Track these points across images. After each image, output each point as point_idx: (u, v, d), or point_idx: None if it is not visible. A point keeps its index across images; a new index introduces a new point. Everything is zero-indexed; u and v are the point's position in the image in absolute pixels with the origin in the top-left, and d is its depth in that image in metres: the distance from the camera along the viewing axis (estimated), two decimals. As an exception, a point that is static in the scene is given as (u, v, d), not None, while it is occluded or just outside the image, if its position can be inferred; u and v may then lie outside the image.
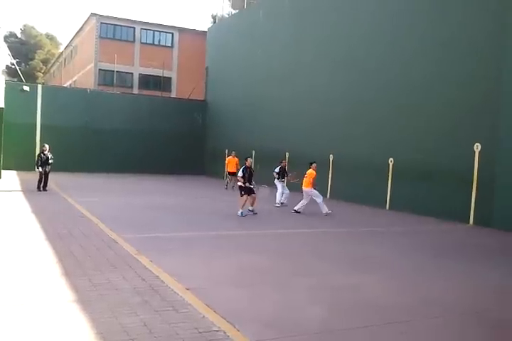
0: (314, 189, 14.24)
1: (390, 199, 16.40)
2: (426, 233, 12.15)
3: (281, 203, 15.93)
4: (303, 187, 14.30)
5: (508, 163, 12.61)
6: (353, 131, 18.34)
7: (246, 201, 13.43)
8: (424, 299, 6.21)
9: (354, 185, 17.86)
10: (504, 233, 12.14)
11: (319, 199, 14.16)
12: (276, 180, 16.38)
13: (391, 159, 16.37)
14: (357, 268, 7.77)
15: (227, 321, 4.99)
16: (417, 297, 6.30)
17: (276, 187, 16.33)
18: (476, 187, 13.44)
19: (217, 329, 4.77)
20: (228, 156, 22.63)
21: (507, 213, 12.53)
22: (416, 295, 6.41)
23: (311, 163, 14.60)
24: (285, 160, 17.64)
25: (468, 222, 13.53)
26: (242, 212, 13.16)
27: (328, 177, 19.47)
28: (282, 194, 16.10)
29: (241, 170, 13.89)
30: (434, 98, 14.96)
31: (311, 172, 14.32)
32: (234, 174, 20.03)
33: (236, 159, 21.42)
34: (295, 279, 6.92)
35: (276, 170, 16.38)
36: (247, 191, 13.48)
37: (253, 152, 24.93)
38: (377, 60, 17.30)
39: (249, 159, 14.23)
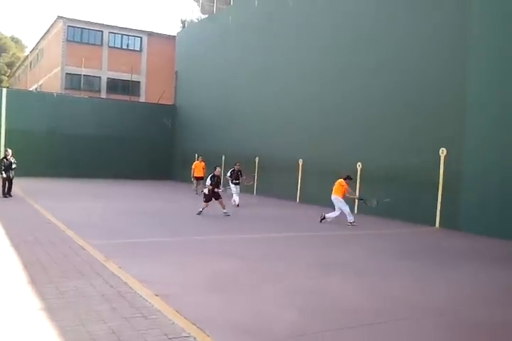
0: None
1: (357, 202, 16.57)
2: (393, 236, 12.33)
3: (237, 205, 16.65)
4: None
5: (473, 167, 12.94)
6: (322, 135, 18.53)
7: (207, 206, 14.11)
8: (391, 300, 6.30)
9: (322, 189, 17.95)
10: (469, 235, 12.42)
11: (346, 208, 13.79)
12: (230, 182, 17.15)
13: (359, 163, 16.59)
14: (325, 272, 7.83)
15: (197, 327, 4.96)
16: (383, 298, 6.39)
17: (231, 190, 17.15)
18: (442, 190, 13.74)
19: (187, 335, 4.74)
20: (195, 161, 22.57)
21: (472, 216, 12.85)
22: (383, 296, 6.50)
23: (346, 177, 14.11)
24: (239, 163, 17.99)
25: (435, 225, 13.80)
26: (200, 211, 14.06)
27: (298, 182, 19.60)
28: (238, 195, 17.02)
29: (209, 177, 14.30)
30: (399, 103, 15.25)
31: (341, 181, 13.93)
32: (201, 179, 20.54)
33: (202, 164, 21.72)
34: (265, 284, 6.93)
35: (228, 173, 17.29)
36: (210, 198, 14.07)
37: (223, 157, 24.94)
38: (343, 66, 17.54)
39: (217, 168, 14.62)
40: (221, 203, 14.23)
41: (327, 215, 13.75)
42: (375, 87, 16.16)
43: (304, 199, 19.16)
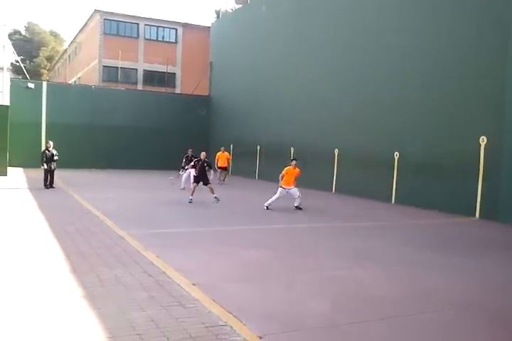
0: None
1: (395, 193, 16.39)
2: (429, 226, 12.16)
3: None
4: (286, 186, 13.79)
5: (514, 156, 12.59)
6: (357, 125, 18.32)
7: (195, 188, 14.66)
8: (421, 292, 6.24)
9: (359, 180, 17.87)
10: (509, 226, 12.13)
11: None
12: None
13: (396, 153, 16.36)
14: (357, 262, 7.80)
15: (234, 316, 5.04)
16: (414, 290, 6.33)
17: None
18: (482, 180, 13.42)
19: (223, 324, 4.81)
20: (219, 152, 22.90)
21: (513, 206, 12.53)
22: (413, 288, 6.44)
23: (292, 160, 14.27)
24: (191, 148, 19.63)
25: (474, 215, 13.52)
26: (190, 199, 14.44)
27: (334, 172, 19.48)
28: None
29: (194, 160, 15.40)
30: (439, 91, 14.92)
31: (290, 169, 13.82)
32: (224, 168, 22.20)
33: (226, 154, 22.66)
34: (297, 274, 6.96)
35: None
36: (197, 180, 14.79)
37: (258, 147, 24.97)
38: (382, 53, 17.24)
39: (203, 152, 15.39)
40: (210, 189, 14.72)
41: (268, 202, 13.71)
42: (413, 74, 15.83)
43: (339, 190, 19.04)
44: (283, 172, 13.77)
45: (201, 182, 14.78)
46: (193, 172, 15.45)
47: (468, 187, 13.73)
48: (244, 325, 4.82)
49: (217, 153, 22.84)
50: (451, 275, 7.22)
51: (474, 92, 13.76)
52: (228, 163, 22.82)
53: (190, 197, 14.47)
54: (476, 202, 13.54)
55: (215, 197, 14.66)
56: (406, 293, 6.18)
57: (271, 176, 23.20)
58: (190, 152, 19.32)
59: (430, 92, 15.18)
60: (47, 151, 17.23)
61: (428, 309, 5.61)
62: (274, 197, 13.71)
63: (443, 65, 14.79)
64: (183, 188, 17.88)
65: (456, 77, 14.36)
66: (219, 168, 22.14)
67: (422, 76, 15.49)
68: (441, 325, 5.13)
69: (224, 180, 22.05)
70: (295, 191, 13.75)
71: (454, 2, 14.55)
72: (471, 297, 6.17)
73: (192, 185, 14.93)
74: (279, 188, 13.76)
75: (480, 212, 13.45)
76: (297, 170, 13.84)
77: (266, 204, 13.68)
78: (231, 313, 5.10)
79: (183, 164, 18.83)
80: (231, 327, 4.75)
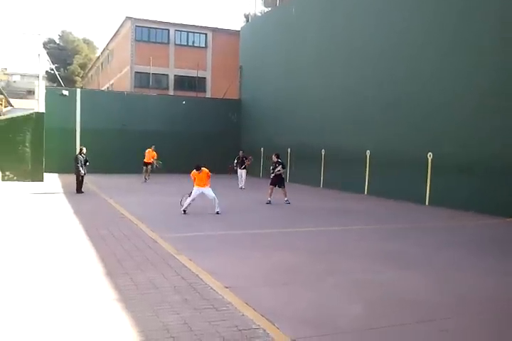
0: None
1: (429, 194, 16.08)
2: (466, 228, 11.90)
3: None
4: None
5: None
6: (389, 126, 18.08)
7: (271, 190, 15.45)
8: (461, 296, 6.09)
9: (392, 181, 17.60)
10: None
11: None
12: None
13: (430, 154, 16.06)
14: (390, 265, 7.67)
15: (267, 319, 5.01)
16: (454, 293, 6.19)
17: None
18: (520, 180, 13.06)
19: (256, 327, 4.79)
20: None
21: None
22: (453, 291, 6.30)
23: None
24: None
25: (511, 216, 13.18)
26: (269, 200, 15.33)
27: (366, 173, 19.26)
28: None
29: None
30: (473, 91, 14.61)
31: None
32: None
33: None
34: (329, 277, 6.88)
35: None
36: (274, 183, 15.50)
37: (289, 149, 24.90)
38: (415, 54, 16.98)
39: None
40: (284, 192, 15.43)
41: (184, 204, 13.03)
42: (450, 75, 15.54)
43: (372, 192, 18.80)
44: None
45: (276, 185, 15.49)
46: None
47: (505, 188, 13.36)
48: (277, 328, 4.79)
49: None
50: (489, 278, 7.03)
51: (510, 90, 13.42)
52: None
53: (269, 199, 15.30)
54: (514, 203, 13.18)
55: (285, 200, 15.39)
56: (442, 297, 6.04)
57: (302, 178, 23.16)
58: (241, 154, 21.15)
59: (466, 89, 14.86)
60: (80, 156, 17.55)
61: (467, 313, 5.47)
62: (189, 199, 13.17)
63: (481, 64, 14.48)
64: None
65: (494, 76, 14.04)
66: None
67: (460, 75, 15.18)
68: (479, 329, 4.99)
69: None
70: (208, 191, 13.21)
71: None
72: (511, 301, 5.99)
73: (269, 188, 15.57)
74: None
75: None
76: (204, 172, 13.18)
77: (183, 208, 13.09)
78: (264, 316, 5.08)
79: (234, 164, 21.02)
80: (264, 330, 4.72)
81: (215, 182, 21.79)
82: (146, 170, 23.87)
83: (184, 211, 12.91)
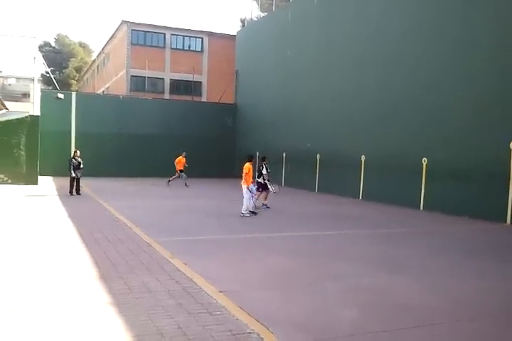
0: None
1: (424, 199, 16.14)
2: (458, 233, 11.93)
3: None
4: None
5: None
6: (385, 131, 18.15)
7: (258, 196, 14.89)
8: (455, 300, 6.10)
9: (387, 186, 17.66)
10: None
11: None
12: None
13: (424, 159, 16.12)
14: (386, 270, 7.68)
15: (261, 323, 5.00)
16: (448, 298, 6.20)
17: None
18: (513, 185, 13.13)
19: (250, 332, 4.78)
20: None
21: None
22: (447, 296, 6.31)
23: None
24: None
25: (505, 221, 13.21)
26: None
27: (361, 178, 19.30)
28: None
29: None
30: (466, 97, 14.69)
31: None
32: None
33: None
34: (324, 281, 6.88)
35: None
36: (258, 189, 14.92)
37: (284, 154, 24.93)
38: (410, 60, 17.08)
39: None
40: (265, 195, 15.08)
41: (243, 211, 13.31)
42: (442, 81, 15.64)
43: (366, 197, 18.84)
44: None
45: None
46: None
47: (498, 193, 13.43)
48: (272, 332, 4.78)
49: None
50: (483, 283, 7.05)
51: (503, 96, 13.49)
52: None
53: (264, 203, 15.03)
54: (507, 207, 13.23)
55: (264, 204, 15.06)
56: (436, 302, 6.05)
57: (297, 183, 23.20)
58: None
59: (459, 98, 14.95)
60: (74, 159, 17.71)
61: (461, 318, 5.48)
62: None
63: (472, 70, 14.57)
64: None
65: (485, 82, 14.13)
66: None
67: (452, 81, 15.27)
68: (472, 335, 5.00)
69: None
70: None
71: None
72: (506, 306, 6.00)
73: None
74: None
75: (511, 218, 13.14)
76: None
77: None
78: (258, 321, 5.07)
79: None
80: (258, 334, 4.72)
81: (209, 186, 21.86)
82: (179, 176, 23.80)
83: (253, 212, 13.35)
